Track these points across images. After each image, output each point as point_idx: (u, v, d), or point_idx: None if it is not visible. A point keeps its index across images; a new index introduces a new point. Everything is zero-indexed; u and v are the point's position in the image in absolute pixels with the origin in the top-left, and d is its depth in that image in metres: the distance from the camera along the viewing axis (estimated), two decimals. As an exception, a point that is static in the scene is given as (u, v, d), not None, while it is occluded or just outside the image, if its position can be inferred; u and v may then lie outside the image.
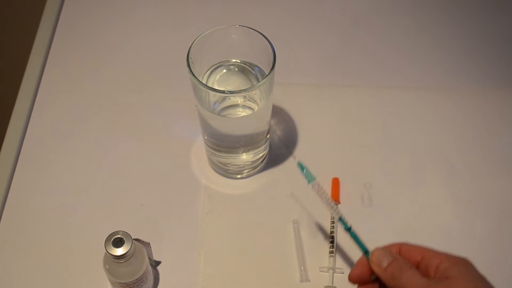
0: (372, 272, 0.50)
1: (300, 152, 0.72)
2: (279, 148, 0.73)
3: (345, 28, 0.85)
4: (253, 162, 0.69)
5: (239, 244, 0.66)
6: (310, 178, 0.55)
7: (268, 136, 0.68)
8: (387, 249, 0.49)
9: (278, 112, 0.75)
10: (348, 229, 0.53)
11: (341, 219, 0.54)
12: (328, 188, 0.69)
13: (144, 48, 0.83)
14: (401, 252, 0.49)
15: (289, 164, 0.71)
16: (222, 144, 0.66)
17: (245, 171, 0.70)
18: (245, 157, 0.68)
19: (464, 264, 0.46)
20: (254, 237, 0.66)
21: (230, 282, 0.63)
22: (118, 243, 0.54)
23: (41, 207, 0.68)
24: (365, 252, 0.51)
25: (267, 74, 0.58)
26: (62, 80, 0.79)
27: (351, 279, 0.51)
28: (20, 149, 0.72)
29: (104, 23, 0.85)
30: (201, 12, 0.86)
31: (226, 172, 0.70)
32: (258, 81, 0.62)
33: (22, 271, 0.63)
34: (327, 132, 0.74)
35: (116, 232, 0.55)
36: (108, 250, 0.54)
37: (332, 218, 0.66)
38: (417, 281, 0.46)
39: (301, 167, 0.56)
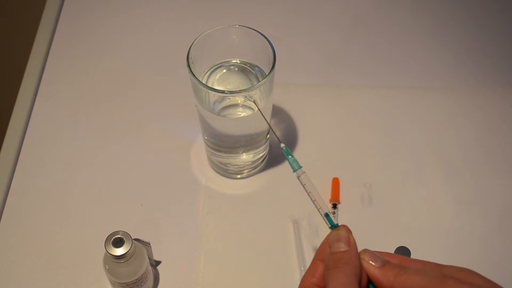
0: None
1: (300, 152, 0.72)
2: (279, 148, 0.72)
3: (346, 28, 0.85)
4: (253, 162, 0.69)
5: (239, 244, 0.65)
6: (295, 166, 0.50)
7: (268, 136, 0.68)
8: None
9: (278, 112, 0.75)
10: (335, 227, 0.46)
11: (327, 216, 0.47)
12: (328, 188, 0.68)
13: (144, 48, 0.83)
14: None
15: (289, 164, 0.71)
16: (222, 144, 0.66)
17: (245, 171, 0.70)
18: (245, 157, 0.68)
19: None
20: (254, 237, 0.66)
21: (230, 282, 0.63)
22: (118, 243, 0.54)
23: (41, 207, 0.68)
24: None
25: (267, 74, 0.58)
26: (62, 79, 0.79)
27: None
28: (20, 149, 0.72)
29: (104, 23, 0.85)
30: (201, 12, 0.86)
31: (226, 172, 0.70)
32: (258, 81, 0.62)
33: (22, 271, 0.63)
34: (327, 132, 0.74)
35: (116, 232, 0.55)
36: (108, 250, 0.54)
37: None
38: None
39: (287, 152, 0.51)
